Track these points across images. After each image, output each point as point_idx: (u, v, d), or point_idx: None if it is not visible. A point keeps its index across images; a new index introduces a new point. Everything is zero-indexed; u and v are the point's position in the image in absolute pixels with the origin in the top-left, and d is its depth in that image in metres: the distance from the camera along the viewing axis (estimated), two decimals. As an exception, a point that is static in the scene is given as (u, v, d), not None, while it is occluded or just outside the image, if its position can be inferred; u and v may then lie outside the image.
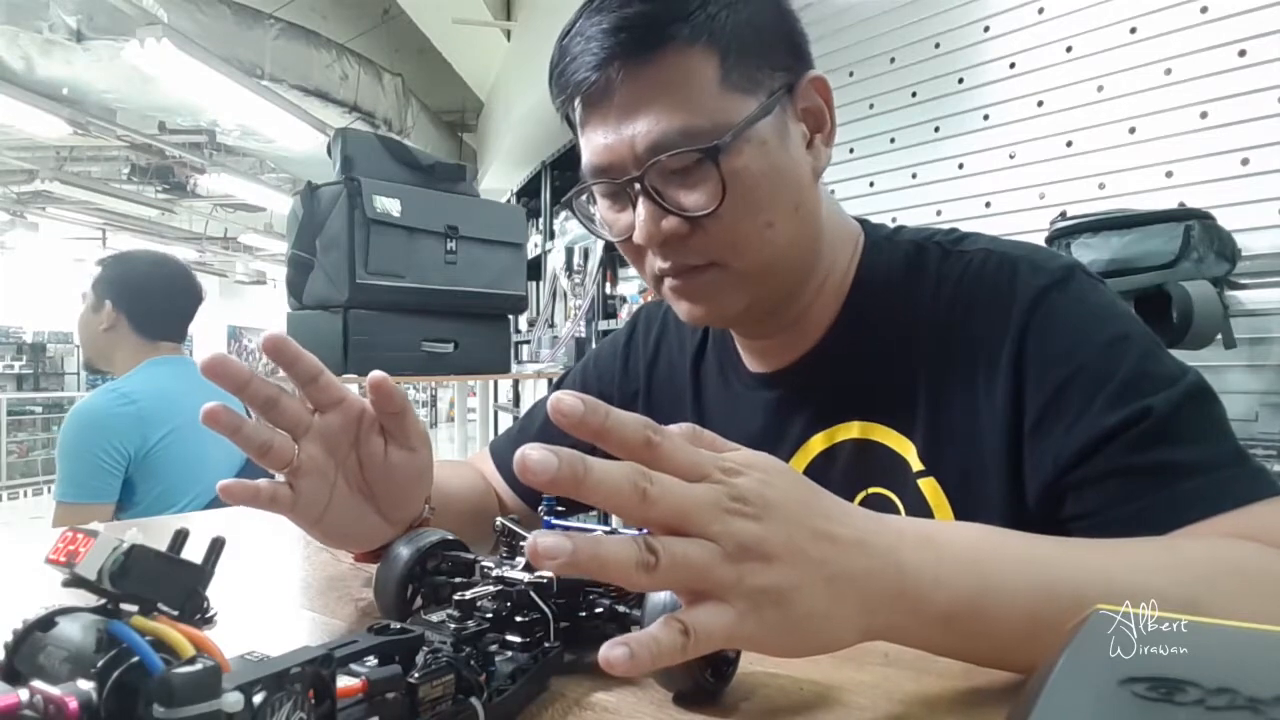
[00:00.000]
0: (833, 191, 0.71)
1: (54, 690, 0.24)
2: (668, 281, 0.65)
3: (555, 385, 0.93)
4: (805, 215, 0.64)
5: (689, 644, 0.35)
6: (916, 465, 0.63)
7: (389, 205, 2.02)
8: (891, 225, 0.74)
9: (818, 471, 0.68)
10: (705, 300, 0.65)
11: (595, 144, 0.61)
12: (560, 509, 0.55)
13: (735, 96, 0.59)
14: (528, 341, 4.13)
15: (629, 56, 0.58)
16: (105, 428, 1.64)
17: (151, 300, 1.82)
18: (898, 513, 0.64)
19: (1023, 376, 0.59)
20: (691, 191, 0.59)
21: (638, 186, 0.60)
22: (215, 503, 1.71)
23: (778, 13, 0.63)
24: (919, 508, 0.63)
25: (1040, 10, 1.83)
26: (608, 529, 0.49)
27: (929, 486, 0.63)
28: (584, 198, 0.67)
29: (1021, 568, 0.43)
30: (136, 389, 1.72)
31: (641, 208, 0.60)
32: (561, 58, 0.62)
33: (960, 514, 0.62)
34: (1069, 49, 1.78)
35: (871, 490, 0.65)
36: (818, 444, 0.68)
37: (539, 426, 0.89)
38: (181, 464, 1.71)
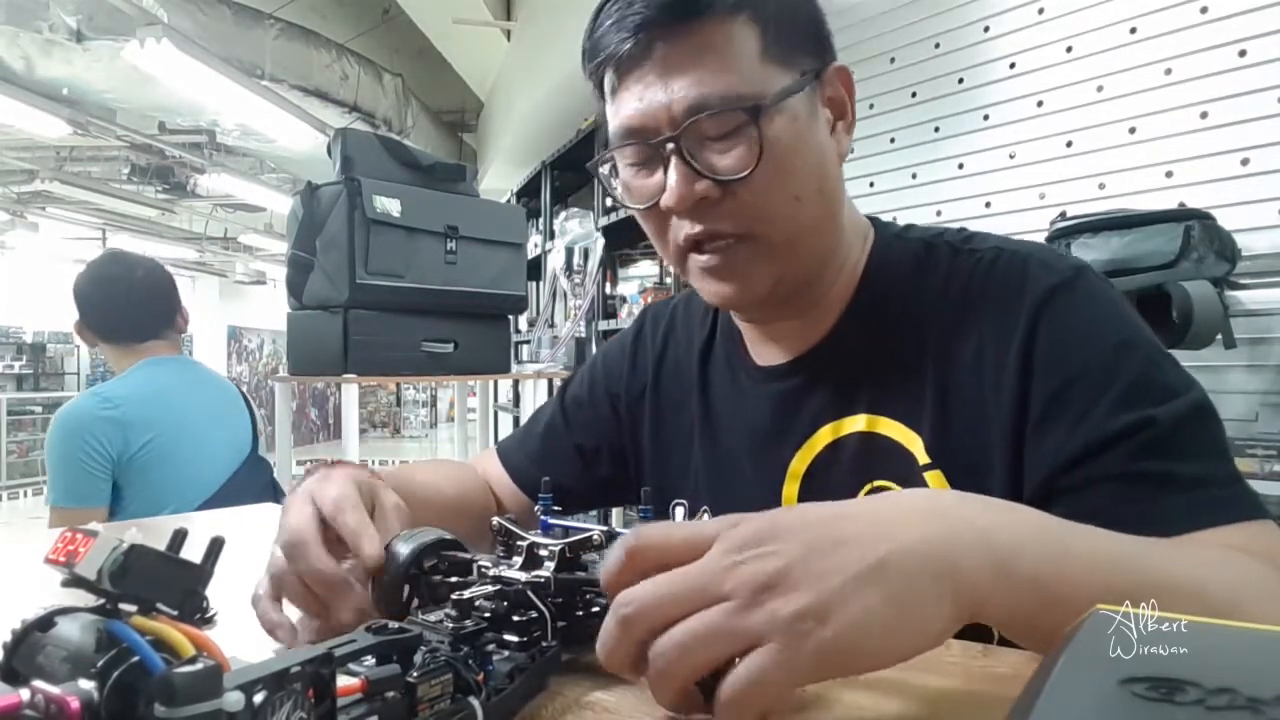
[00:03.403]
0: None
1: (55, 690, 0.24)
2: (695, 260, 0.65)
3: (563, 386, 0.93)
4: (828, 196, 0.65)
5: (731, 704, 0.35)
6: (923, 458, 0.64)
7: (389, 205, 2.02)
8: (900, 224, 0.75)
9: (824, 464, 0.69)
10: (734, 277, 0.65)
11: (629, 107, 0.62)
12: (557, 508, 0.56)
13: (773, 68, 0.60)
14: (528, 341, 4.12)
15: (672, 21, 0.59)
16: (86, 431, 1.62)
17: (109, 312, 1.77)
18: None
19: (1030, 373, 0.60)
20: (726, 155, 0.60)
21: (670, 147, 0.60)
22: (202, 508, 1.68)
23: (809, 2, 0.65)
24: None
25: (1040, 10, 1.83)
26: (604, 529, 0.49)
27: (935, 479, 0.63)
28: (607, 167, 0.67)
29: (1087, 539, 0.43)
30: (121, 393, 1.69)
31: (674, 170, 0.60)
32: (597, 25, 0.62)
33: None
34: (1069, 49, 1.78)
35: (877, 483, 0.66)
36: (825, 436, 0.69)
37: (541, 431, 0.90)
38: (167, 469, 1.68)
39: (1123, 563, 0.42)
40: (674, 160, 0.60)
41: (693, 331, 0.83)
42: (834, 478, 0.68)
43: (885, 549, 0.37)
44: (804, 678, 0.36)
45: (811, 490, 0.69)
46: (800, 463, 0.70)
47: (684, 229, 0.63)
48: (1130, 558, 0.43)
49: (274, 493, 1.87)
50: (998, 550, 0.38)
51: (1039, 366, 0.60)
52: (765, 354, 0.75)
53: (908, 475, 0.64)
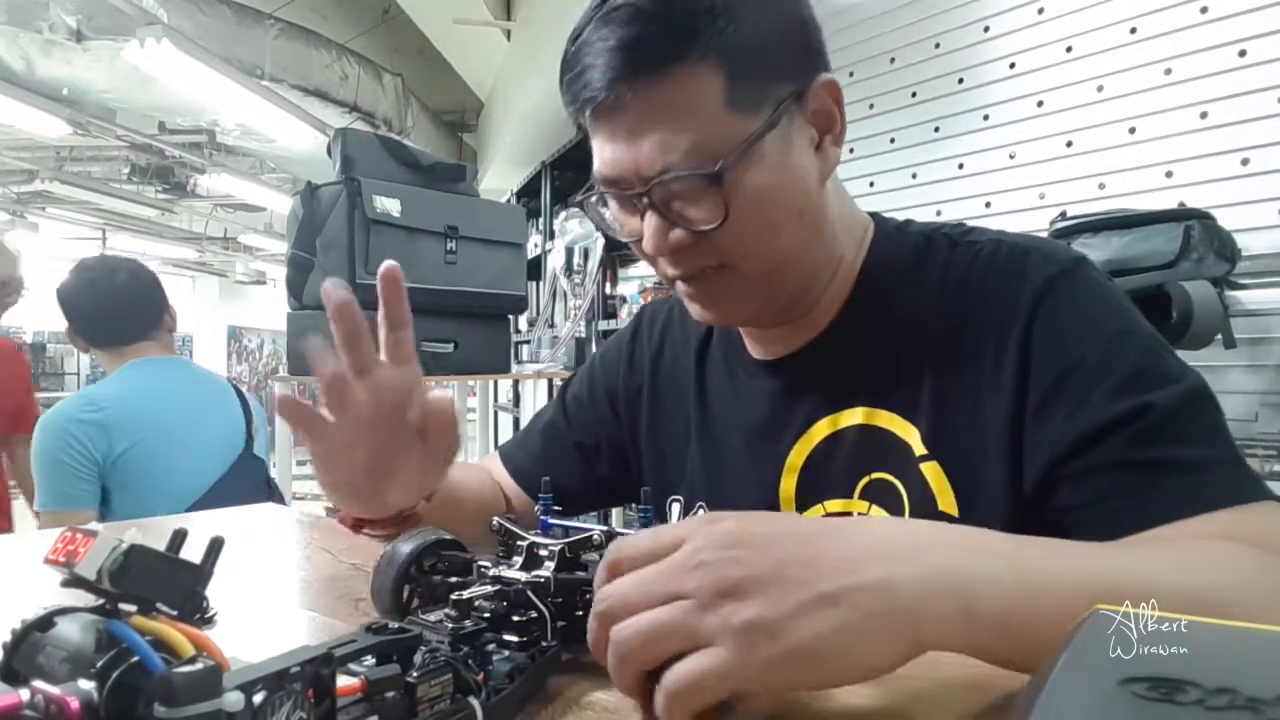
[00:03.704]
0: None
1: (55, 690, 0.24)
2: (679, 285, 0.67)
3: (564, 386, 0.94)
4: (810, 220, 0.65)
5: (671, 694, 0.37)
6: (920, 450, 0.64)
7: (389, 205, 2.02)
8: (899, 219, 0.75)
9: (821, 457, 0.69)
10: (715, 305, 0.67)
11: (604, 156, 0.62)
12: (557, 508, 0.56)
13: (740, 115, 0.59)
14: (528, 341, 4.12)
15: (635, 76, 0.58)
16: (70, 434, 1.61)
17: (93, 317, 1.76)
18: (900, 498, 0.64)
19: (1028, 363, 0.60)
20: (697, 207, 0.60)
21: (645, 200, 0.61)
22: (194, 508, 1.67)
23: (791, 18, 0.62)
24: (922, 493, 0.63)
25: (1040, 10, 1.83)
26: (604, 529, 0.49)
27: (932, 471, 0.63)
28: (595, 198, 0.68)
29: (1061, 565, 0.43)
30: (106, 395, 1.68)
31: (648, 221, 0.61)
32: (571, 65, 0.62)
33: (963, 499, 0.62)
34: (1069, 49, 1.78)
35: (875, 475, 0.66)
36: (822, 429, 0.69)
37: (541, 431, 0.91)
38: (155, 470, 1.67)
39: (1101, 585, 0.41)
40: (648, 212, 0.61)
41: (689, 329, 0.83)
42: (832, 470, 0.68)
43: (847, 580, 0.38)
44: (744, 684, 0.37)
45: (809, 483, 0.69)
46: (798, 455, 0.70)
47: (668, 270, 0.65)
48: (1110, 578, 0.42)
49: (269, 492, 1.86)
50: (963, 593, 0.39)
51: (1037, 357, 0.60)
52: (763, 349, 0.75)
53: (905, 467, 0.64)
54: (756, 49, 0.59)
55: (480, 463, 0.95)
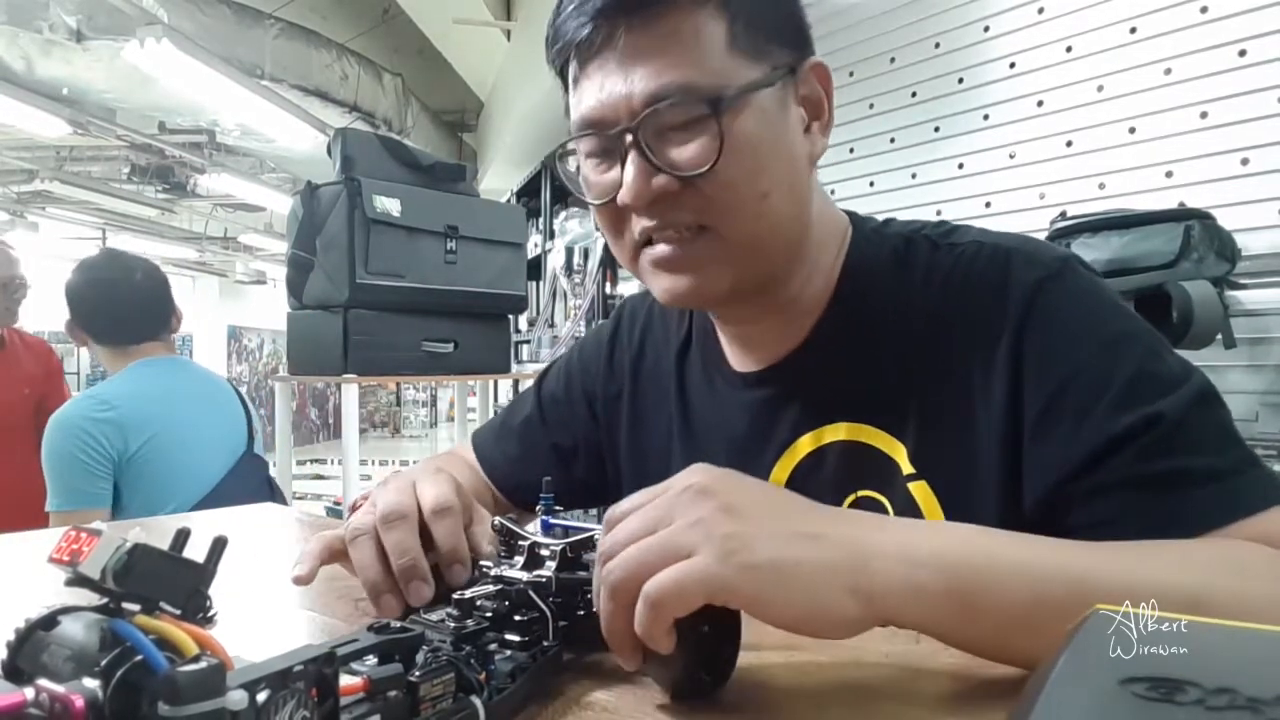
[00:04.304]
0: (833, 192, 0.70)
1: (59, 688, 0.24)
2: (647, 254, 0.62)
3: (539, 381, 0.91)
4: (798, 197, 0.62)
5: (650, 602, 0.38)
6: (907, 468, 0.61)
7: (389, 205, 2.02)
8: (878, 219, 0.72)
9: (805, 474, 0.66)
10: (688, 270, 0.61)
11: (589, 97, 0.59)
12: (557, 509, 0.56)
13: (741, 61, 0.57)
14: (528, 341, 4.12)
15: (634, 9, 0.56)
16: (86, 432, 1.61)
17: (107, 315, 1.76)
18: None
19: (1021, 374, 0.57)
20: (686, 148, 0.57)
21: (629, 140, 0.57)
22: (199, 506, 1.68)
23: None
24: (909, 511, 0.61)
25: (1040, 10, 1.83)
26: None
27: (920, 490, 0.61)
28: (569, 161, 0.65)
29: (1021, 552, 0.44)
30: (115, 394, 1.68)
31: (631, 164, 0.57)
32: (561, 9, 0.60)
33: (952, 518, 0.60)
34: (1069, 49, 1.78)
35: (861, 494, 0.64)
36: (805, 445, 0.66)
37: (521, 421, 0.88)
38: (165, 468, 1.67)
39: (1055, 574, 0.42)
40: (631, 154, 0.57)
41: (670, 329, 0.80)
42: (816, 487, 0.65)
43: (824, 529, 0.42)
44: (718, 592, 0.39)
45: None
46: (781, 471, 0.67)
47: (640, 224, 0.60)
48: (1066, 569, 0.43)
49: (269, 491, 1.87)
50: (911, 560, 0.41)
51: (1030, 367, 0.57)
52: (742, 359, 0.72)
53: (892, 486, 0.62)
54: (757, 4, 0.59)
55: (455, 451, 0.91)
